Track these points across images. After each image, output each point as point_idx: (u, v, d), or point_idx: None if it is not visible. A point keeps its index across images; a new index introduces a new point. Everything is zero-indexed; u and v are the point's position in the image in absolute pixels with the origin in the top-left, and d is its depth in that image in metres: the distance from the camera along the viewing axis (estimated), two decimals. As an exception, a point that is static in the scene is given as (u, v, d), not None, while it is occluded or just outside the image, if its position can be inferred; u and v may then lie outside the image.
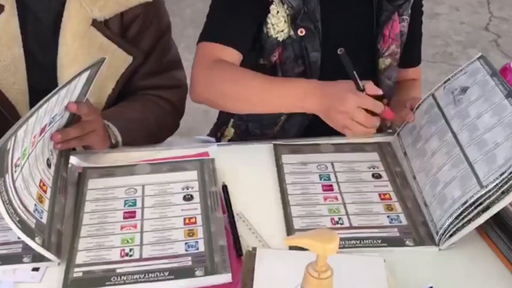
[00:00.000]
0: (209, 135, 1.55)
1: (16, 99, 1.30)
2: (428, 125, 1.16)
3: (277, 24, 1.26)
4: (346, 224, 1.06)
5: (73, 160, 1.18)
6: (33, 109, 0.93)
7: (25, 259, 0.96)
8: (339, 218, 1.07)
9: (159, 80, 1.40)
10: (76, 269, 0.94)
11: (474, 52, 3.58)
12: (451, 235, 1.00)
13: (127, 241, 1.00)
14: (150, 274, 0.93)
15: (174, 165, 1.17)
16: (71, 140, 1.13)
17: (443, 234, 1.00)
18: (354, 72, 1.09)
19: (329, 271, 0.74)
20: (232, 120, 1.45)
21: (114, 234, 1.01)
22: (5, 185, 0.89)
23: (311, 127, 1.37)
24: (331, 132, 1.22)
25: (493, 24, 3.91)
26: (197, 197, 1.09)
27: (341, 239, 1.02)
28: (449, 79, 1.19)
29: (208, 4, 1.32)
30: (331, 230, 0.75)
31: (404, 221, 1.07)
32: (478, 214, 0.98)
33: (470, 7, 4.09)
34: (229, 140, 1.43)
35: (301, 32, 1.26)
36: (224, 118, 1.50)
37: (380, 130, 1.46)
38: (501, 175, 0.94)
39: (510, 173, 0.94)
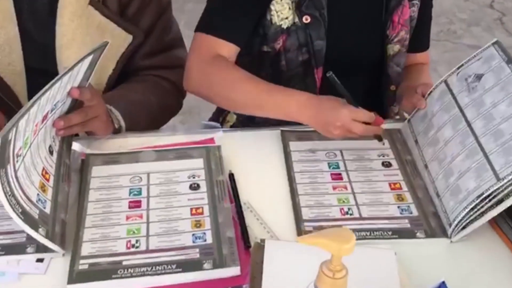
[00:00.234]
0: (211, 119, 1.51)
1: (12, 80, 1.27)
2: (441, 113, 1.13)
3: (281, 11, 1.22)
4: (356, 215, 1.04)
5: (76, 146, 1.15)
6: (34, 97, 0.90)
7: (29, 249, 0.94)
8: (349, 209, 1.05)
9: (161, 59, 1.36)
10: (81, 261, 0.92)
11: (478, 30, 3.55)
12: (463, 228, 0.98)
13: (133, 232, 0.97)
14: (157, 267, 0.91)
15: (180, 152, 1.14)
16: (74, 126, 1.10)
17: (456, 226, 0.98)
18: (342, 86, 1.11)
19: (343, 271, 0.72)
20: None
21: (119, 224, 0.99)
22: (7, 176, 0.86)
23: None
24: None
25: (498, 1, 3.85)
26: (203, 186, 1.06)
27: (352, 230, 1.00)
28: (462, 65, 1.16)
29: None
30: (347, 229, 0.73)
31: (415, 211, 1.05)
32: (491, 207, 0.96)
33: (475, -16, 4.03)
34: (231, 126, 1.40)
35: (306, 19, 1.22)
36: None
37: (387, 116, 1.44)
38: (518, 168, 0.92)
39: (527, 165, 0.91)
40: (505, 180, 0.93)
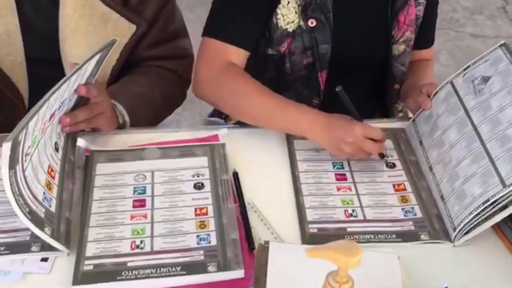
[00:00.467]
0: (214, 114, 1.51)
1: (12, 70, 1.26)
2: (447, 115, 1.13)
3: (288, 15, 1.21)
4: (360, 217, 1.04)
5: (80, 142, 1.14)
6: (43, 98, 0.90)
7: (33, 248, 0.94)
8: (353, 210, 1.05)
9: (164, 50, 1.35)
10: (86, 262, 0.92)
11: (481, 18, 3.52)
12: (466, 232, 0.98)
13: (138, 232, 0.98)
14: (162, 269, 0.91)
15: (184, 150, 1.14)
16: (80, 123, 1.10)
17: (459, 231, 0.98)
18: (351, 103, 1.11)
19: (349, 282, 0.72)
20: None
21: (124, 224, 0.99)
22: (16, 177, 0.86)
23: None
24: None
25: (502, -11, 3.82)
26: (208, 186, 1.06)
27: (355, 233, 1.01)
28: (469, 66, 1.15)
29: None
30: (354, 243, 0.73)
31: (419, 213, 1.06)
32: (495, 212, 0.96)
33: (479, -29, 3.99)
34: (234, 124, 1.39)
35: (312, 23, 1.21)
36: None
37: (391, 114, 1.44)
38: (525, 175, 0.92)
39: (533, 173, 0.91)
40: None
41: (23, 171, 0.89)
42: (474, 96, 1.10)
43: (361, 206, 1.06)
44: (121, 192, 1.05)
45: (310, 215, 1.04)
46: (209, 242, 0.96)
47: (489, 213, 0.96)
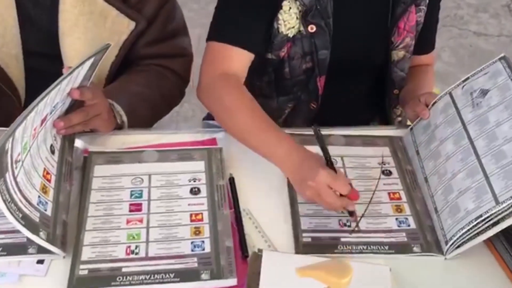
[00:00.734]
0: (210, 117, 1.51)
1: (5, 62, 1.26)
2: (444, 126, 1.13)
3: (289, 21, 1.21)
4: (354, 227, 1.05)
5: (78, 143, 1.15)
6: (32, 104, 0.90)
7: (30, 250, 0.95)
8: (347, 220, 1.06)
9: (163, 48, 1.35)
10: (81, 266, 0.93)
11: (486, 16, 3.51)
12: (458, 246, 0.99)
13: (133, 237, 0.99)
14: (155, 275, 0.92)
15: (182, 154, 1.15)
16: (75, 126, 1.10)
17: (451, 245, 0.99)
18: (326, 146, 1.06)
19: (340, 300, 0.73)
20: None
21: (120, 228, 1.00)
22: (6, 184, 0.87)
23: (314, 118, 1.34)
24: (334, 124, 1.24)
25: (507, -13, 3.80)
26: (204, 191, 1.07)
27: (348, 243, 1.02)
28: (468, 78, 1.15)
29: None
30: (345, 262, 0.74)
31: (412, 224, 1.06)
32: (488, 228, 0.97)
33: (485, -33, 3.97)
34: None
35: (311, 28, 1.21)
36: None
37: (390, 119, 1.44)
38: (517, 193, 0.92)
39: (527, 191, 0.92)
40: (504, 204, 0.94)
41: (15, 178, 0.89)
42: (472, 109, 1.10)
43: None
44: (118, 195, 1.06)
45: (305, 223, 1.05)
46: (203, 249, 0.97)
47: (482, 228, 0.97)
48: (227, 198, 1.06)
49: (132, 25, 1.28)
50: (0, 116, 1.25)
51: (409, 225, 1.06)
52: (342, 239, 1.03)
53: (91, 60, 1.03)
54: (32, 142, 0.96)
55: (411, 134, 1.22)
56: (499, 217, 0.95)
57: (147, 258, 0.95)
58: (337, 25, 1.23)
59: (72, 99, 1.09)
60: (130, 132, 1.22)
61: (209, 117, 1.48)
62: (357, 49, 1.28)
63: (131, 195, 1.06)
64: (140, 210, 1.03)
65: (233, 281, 0.93)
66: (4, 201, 0.85)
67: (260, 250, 0.98)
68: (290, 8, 1.20)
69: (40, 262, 0.96)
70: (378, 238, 1.03)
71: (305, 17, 1.20)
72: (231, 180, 1.11)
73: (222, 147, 1.17)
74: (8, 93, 1.28)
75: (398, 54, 1.32)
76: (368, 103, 1.41)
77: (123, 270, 0.93)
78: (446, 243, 1.00)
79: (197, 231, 1.00)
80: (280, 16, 1.21)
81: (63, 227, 0.98)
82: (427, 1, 1.30)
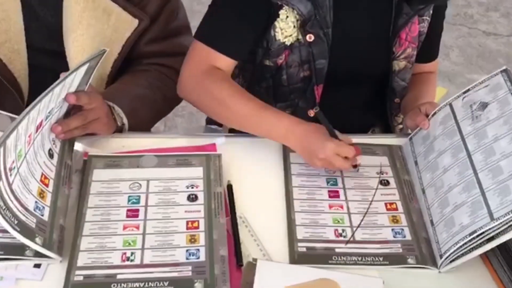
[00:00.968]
0: (211, 121, 1.51)
1: (8, 57, 1.27)
2: (443, 138, 1.13)
3: (286, 29, 1.20)
4: (350, 237, 1.05)
5: (78, 146, 1.16)
6: (22, 113, 0.91)
7: (27, 252, 0.96)
8: (343, 230, 1.07)
9: (165, 46, 1.36)
10: (77, 272, 0.94)
11: (496, 16, 3.48)
12: (452, 260, 1.00)
13: (129, 244, 0.99)
14: (149, 283, 0.93)
15: (181, 159, 1.15)
16: (74, 130, 1.11)
17: (446, 259, 0.99)
18: (331, 126, 1.12)
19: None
20: None
21: (116, 234, 1.01)
22: (0, 191, 0.87)
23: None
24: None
25: (519, -14, 3.77)
26: (201, 198, 1.08)
27: (343, 254, 1.03)
28: (468, 90, 1.15)
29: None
30: (333, 283, 0.74)
31: (408, 235, 1.07)
32: (482, 243, 0.97)
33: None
34: (230, 131, 1.39)
35: (310, 38, 1.21)
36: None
37: (391, 127, 1.44)
38: (512, 211, 0.92)
39: (522, 209, 0.92)
40: (499, 221, 0.93)
41: (10, 185, 0.90)
42: (471, 121, 1.10)
43: (351, 226, 1.07)
44: (116, 200, 1.07)
45: (300, 233, 1.05)
46: (198, 258, 0.98)
47: (476, 243, 0.97)
48: (224, 206, 1.07)
49: (135, 23, 1.29)
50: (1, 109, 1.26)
51: (404, 236, 1.06)
52: (337, 250, 1.03)
53: (86, 65, 1.03)
54: (28, 148, 0.97)
55: (410, 143, 1.22)
56: (494, 233, 0.95)
57: (142, 265, 0.96)
58: (336, 35, 1.22)
59: (69, 104, 1.09)
60: (130, 135, 1.23)
61: (211, 121, 1.48)
62: (357, 59, 1.27)
63: (129, 200, 1.07)
64: (137, 216, 1.04)
65: (226, 291, 0.94)
66: None
67: (254, 260, 0.99)
68: (287, 16, 1.19)
69: (37, 266, 0.97)
70: (373, 249, 1.04)
71: (303, 26, 1.20)
72: (229, 188, 1.12)
73: (221, 153, 1.17)
74: (10, 89, 1.29)
75: (399, 64, 1.31)
76: (367, 111, 1.41)
77: (118, 277, 0.94)
78: (441, 256, 1.00)
79: (193, 239, 1.01)
80: (277, 24, 1.20)
81: (60, 232, 0.99)
82: (431, 11, 1.29)
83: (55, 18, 1.25)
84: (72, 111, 1.12)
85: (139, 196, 1.08)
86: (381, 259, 1.02)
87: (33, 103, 0.92)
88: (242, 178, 1.15)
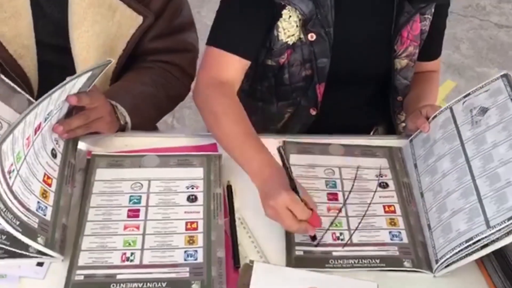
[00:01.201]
0: None
1: (18, 53, 1.28)
2: (442, 142, 1.14)
3: (288, 29, 1.22)
4: (347, 241, 1.06)
5: (82, 145, 1.18)
6: (18, 118, 0.92)
7: (31, 249, 0.98)
8: (341, 233, 1.08)
9: (170, 43, 1.37)
10: (78, 271, 0.97)
11: (509, 7, 3.44)
12: (448, 265, 1.01)
13: (129, 244, 1.02)
14: (148, 284, 0.95)
15: (182, 160, 1.17)
16: (77, 129, 1.13)
17: (441, 264, 1.00)
18: (290, 169, 1.02)
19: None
20: None
21: (117, 234, 1.03)
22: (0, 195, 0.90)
23: (315, 123, 1.35)
24: (334, 131, 1.25)
25: (533, -24, 3.72)
26: (200, 199, 1.09)
27: (340, 257, 1.04)
28: (469, 94, 1.15)
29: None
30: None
31: (405, 239, 1.08)
32: (477, 249, 0.98)
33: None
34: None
35: (311, 37, 1.22)
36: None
37: (394, 125, 1.44)
38: (509, 219, 0.93)
39: (518, 218, 0.93)
40: (495, 229, 0.94)
41: (9, 187, 0.92)
42: (471, 126, 1.10)
43: (349, 229, 1.09)
44: (117, 200, 1.09)
45: (298, 236, 1.06)
46: (196, 259, 1.00)
47: (472, 250, 0.98)
48: (222, 207, 1.09)
49: (139, 19, 1.30)
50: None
51: (401, 239, 1.08)
52: (334, 253, 1.04)
53: (89, 74, 1.05)
54: (27, 150, 0.99)
55: (411, 146, 1.23)
56: (489, 240, 0.96)
57: (141, 265, 0.98)
58: (338, 34, 1.23)
59: (70, 105, 1.11)
60: (133, 134, 1.24)
61: None
62: (358, 57, 1.28)
63: (130, 200, 1.09)
64: (137, 216, 1.06)
65: (222, 293, 0.96)
66: None
67: (251, 261, 1.01)
68: (290, 16, 1.20)
69: (40, 264, 0.99)
70: (370, 252, 1.05)
71: (305, 25, 1.21)
72: (229, 189, 1.13)
73: (222, 153, 1.19)
74: (21, 85, 1.30)
75: (401, 62, 1.32)
76: (369, 110, 1.42)
77: (118, 277, 0.96)
78: (437, 261, 1.02)
79: (191, 240, 1.03)
80: (280, 24, 1.21)
81: (62, 231, 1.01)
82: (433, 10, 1.29)
83: (61, 14, 1.26)
84: (74, 110, 1.13)
85: (140, 196, 1.10)
86: (377, 261, 1.04)
87: (30, 108, 0.93)
88: (241, 178, 1.15)
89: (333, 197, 1.14)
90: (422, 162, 1.17)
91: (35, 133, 1.00)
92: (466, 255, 0.99)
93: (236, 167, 1.17)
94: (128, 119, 1.25)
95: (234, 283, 0.98)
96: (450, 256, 0.99)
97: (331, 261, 1.03)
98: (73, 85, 1.04)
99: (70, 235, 1.03)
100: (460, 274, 1.02)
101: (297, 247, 1.05)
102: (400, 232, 1.09)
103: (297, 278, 0.98)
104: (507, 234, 0.94)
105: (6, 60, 1.27)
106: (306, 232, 1.03)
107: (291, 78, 1.29)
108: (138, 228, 1.04)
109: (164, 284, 0.96)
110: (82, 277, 0.96)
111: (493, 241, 0.96)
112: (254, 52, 1.24)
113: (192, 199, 1.10)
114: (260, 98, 1.38)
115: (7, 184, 0.92)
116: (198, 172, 1.15)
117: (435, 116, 1.19)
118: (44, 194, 1.02)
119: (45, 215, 1.00)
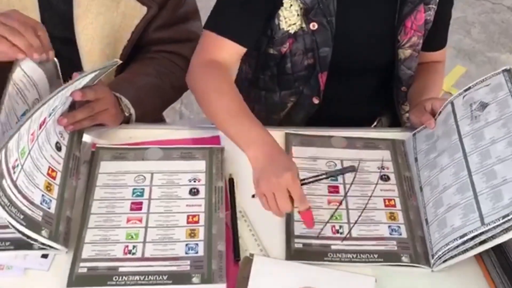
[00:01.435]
0: None
1: None
2: (443, 138, 1.14)
3: (289, 17, 1.22)
4: (346, 234, 1.08)
5: (87, 137, 1.20)
6: (25, 116, 0.94)
7: (35, 246, 1.00)
8: (340, 227, 1.09)
9: (174, 32, 1.38)
10: (81, 264, 0.99)
11: (522, -10, 3.39)
12: (445, 261, 1.02)
13: (132, 237, 1.04)
14: (149, 277, 0.98)
15: (184, 152, 1.19)
16: (82, 121, 1.15)
17: (438, 259, 1.02)
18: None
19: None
20: None
21: (119, 227, 1.05)
22: (4, 190, 0.92)
23: (317, 113, 1.36)
24: (337, 121, 1.25)
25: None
26: (202, 192, 1.11)
27: (338, 251, 1.06)
28: (469, 88, 1.15)
29: None
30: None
31: (404, 233, 1.09)
32: (475, 245, 0.99)
33: None
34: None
35: (313, 26, 1.22)
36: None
37: (399, 116, 1.45)
38: (504, 217, 0.93)
39: (513, 215, 0.93)
40: (489, 226, 0.95)
41: (14, 182, 0.94)
42: (470, 121, 1.10)
43: (349, 222, 1.10)
44: (121, 193, 1.11)
45: (298, 229, 1.08)
46: (197, 252, 1.02)
47: (468, 246, 0.99)
48: (224, 200, 1.10)
49: (143, 10, 1.31)
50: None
51: (400, 234, 1.09)
52: (333, 247, 1.06)
53: (95, 73, 1.06)
54: (32, 145, 1.01)
55: (413, 139, 1.23)
56: (485, 236, 0.97)
57: (143, 258, 1.01)
58: (340, 24, 1.23)
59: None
60: (137, 126, 1.26)
61: None
62: (361, 47, 1.28)
63: (133, 193, 1.11)
64: (140, 209, 1.08)
65: (222, 286, 0.98)
66: (2, 206, 0.90)
67: (251, 255, 1.03)
68: (291, 5, 1.21)
69: (44, 256, 1.02)
70: (369, 246, 1.06)
71: (307, 14, 1.21)
72: (231, 182, 1.15)
73: (224, 146, 1.20)
74: None
75: (404, 52, 1.32)
76: (374, 101, 1.42)
77: (120, 270, 0.99)
78: (432, 256, 1.03)
79: (192, 233, 1.05)
80: (281, 13, 1.22)
81: (66, 223, 1.04)
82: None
83: (67, 6, 1.28)
84: (78, 103, 1.15)
85: (143, 189, 1.12)
86: (375, 256, 1.05)
87: (36, 107, 0.95)
88: (243, 171, 1.16)
89: (334, 189, 1.16)
90: (423, 156, 1.18)
91: (40, 128, 1.02)
92: (464, 251, 1.00)
93: (238, 160, 1.19)
94: (132, 110, 1.26)
95: (234, 276, 1.00)
96: (444, 251, 1.00)
97: (330, 255, 1.05)
98: (79, 83, 1.06)
99: (74, 227, 1.05)
100: (458, 269, 1.03)
101: (296, 240, 1.06)
102: (399, 227, 1.10)
103: (296, 272, 1.00)
104: (504, 231, 0.95)
105: None
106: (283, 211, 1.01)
107: (293, 67, 1.29)
108: (140, 221, 1.06)
109: (165, 277, 0.98)
110: (85, 270, 0.99)
111: (491, 238, 0.97)
112: (251, 40, 1.24)
113: (194, 192, 1.11)
114: (263, 87, 1.39)
115: (12, 179, 0.94)
116: (200, 165, 1.16)
117: (440, 112, 1.19)
118: (49, 187, 1.04)
119: (49, 208, 1.02)
